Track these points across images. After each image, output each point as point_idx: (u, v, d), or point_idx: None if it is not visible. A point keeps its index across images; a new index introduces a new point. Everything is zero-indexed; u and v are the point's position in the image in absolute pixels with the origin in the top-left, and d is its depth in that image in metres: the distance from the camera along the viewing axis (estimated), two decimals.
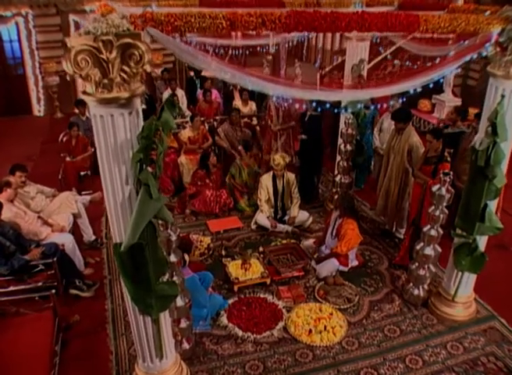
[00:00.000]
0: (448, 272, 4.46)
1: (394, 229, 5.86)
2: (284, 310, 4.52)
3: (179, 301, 3.64)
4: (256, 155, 6.85)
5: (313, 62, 14.50)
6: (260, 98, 8.62)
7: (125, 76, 2.43)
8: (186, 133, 7.18)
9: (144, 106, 8.14)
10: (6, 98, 10.74)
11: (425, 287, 4.60)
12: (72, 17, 10.27)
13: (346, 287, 4.90)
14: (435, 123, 8.87)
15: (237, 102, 8.75)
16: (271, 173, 5.98)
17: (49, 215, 5.18)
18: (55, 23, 10.54)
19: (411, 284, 4.65)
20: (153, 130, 2.54)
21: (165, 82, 9.72)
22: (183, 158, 7.08)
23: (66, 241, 4.91)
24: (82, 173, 7.17)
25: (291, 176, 6.05)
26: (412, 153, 5.15)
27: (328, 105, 3.82)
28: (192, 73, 10.35)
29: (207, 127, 7.61)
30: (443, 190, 4.07)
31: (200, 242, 5.59)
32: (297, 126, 6.87)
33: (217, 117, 8.09)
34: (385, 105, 5.66)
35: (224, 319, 4.39)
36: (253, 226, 6.07)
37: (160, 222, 3.20)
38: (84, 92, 2.52)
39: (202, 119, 7.60)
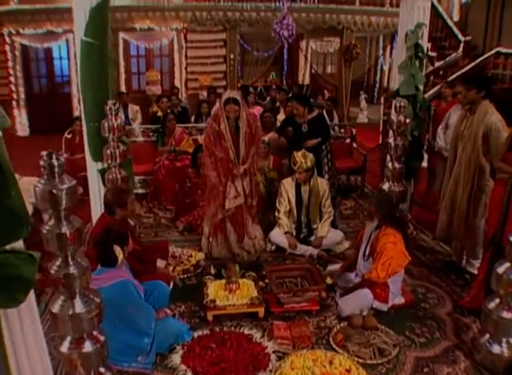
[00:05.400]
0: None
1: (465, 261, 4.06)
2: (274, 356, 2.89)
3: (79, 307, 2.16)
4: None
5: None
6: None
7: None
8: None
9: (171, 114, 7.39)
10: (51, 117, 10.42)
11: None
12: (121, 35, 10.17)
13: (381, 332, 3.17)
14: None
15: (281, 117, 7.59)
16: (295, 176, 4.52)
17: None
18: None
19: (488, 336, 2.86)
20: None
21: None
22: None
23: None
24: (80, 174, 6.15)
25: (322, 182, 4.54)
26: (490, 138, 3.43)
27: None
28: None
29: None
30: None
31: (188, 257, 4.19)
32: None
33: None
34: None
35: (176, 358, 2.83)
36: (267, 247, 4.52)
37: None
38: None
39: None
